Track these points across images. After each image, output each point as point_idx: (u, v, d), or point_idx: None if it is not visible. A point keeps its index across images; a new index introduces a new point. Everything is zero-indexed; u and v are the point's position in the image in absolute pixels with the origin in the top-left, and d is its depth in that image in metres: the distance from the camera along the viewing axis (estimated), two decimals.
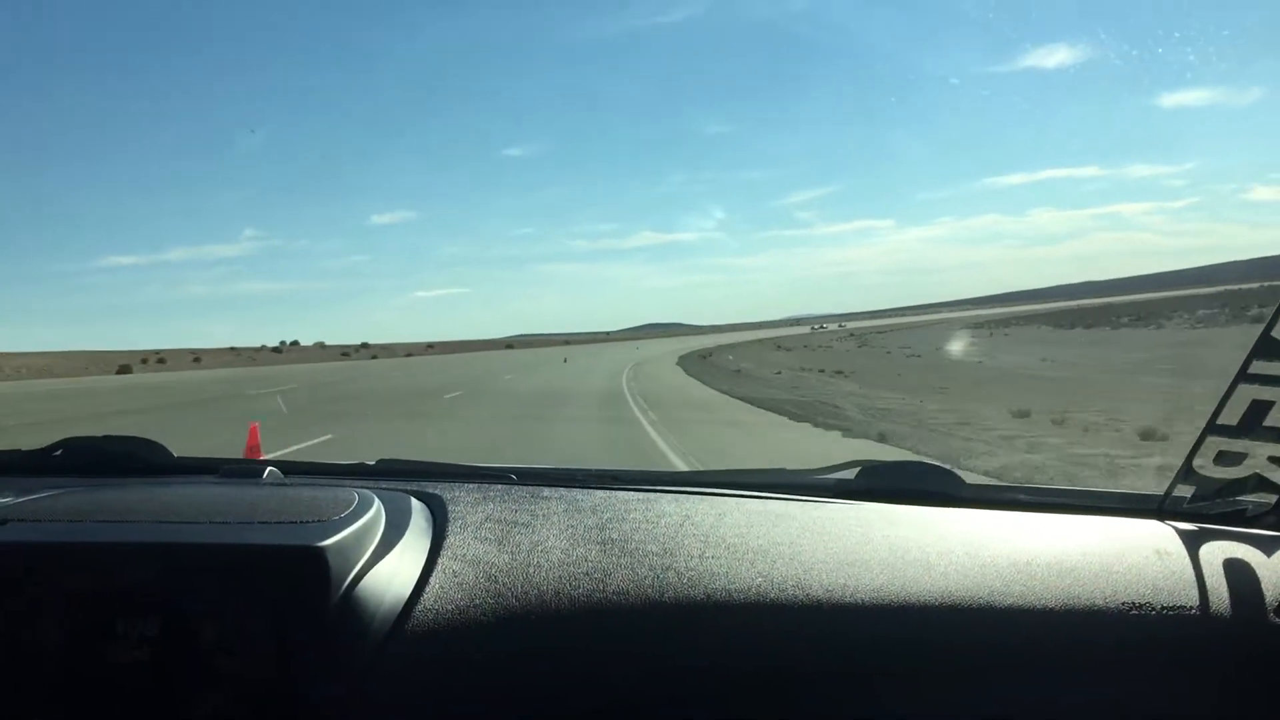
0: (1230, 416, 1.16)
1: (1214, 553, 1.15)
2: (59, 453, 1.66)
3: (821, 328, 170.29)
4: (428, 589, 1.09)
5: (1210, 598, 1.07)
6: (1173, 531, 1.21)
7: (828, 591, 1.07)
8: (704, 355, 50.38)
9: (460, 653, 1.03)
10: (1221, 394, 1.16)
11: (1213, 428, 1.19)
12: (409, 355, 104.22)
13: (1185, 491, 1.27)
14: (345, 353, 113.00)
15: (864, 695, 1.03)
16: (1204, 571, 1.10)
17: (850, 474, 1.49)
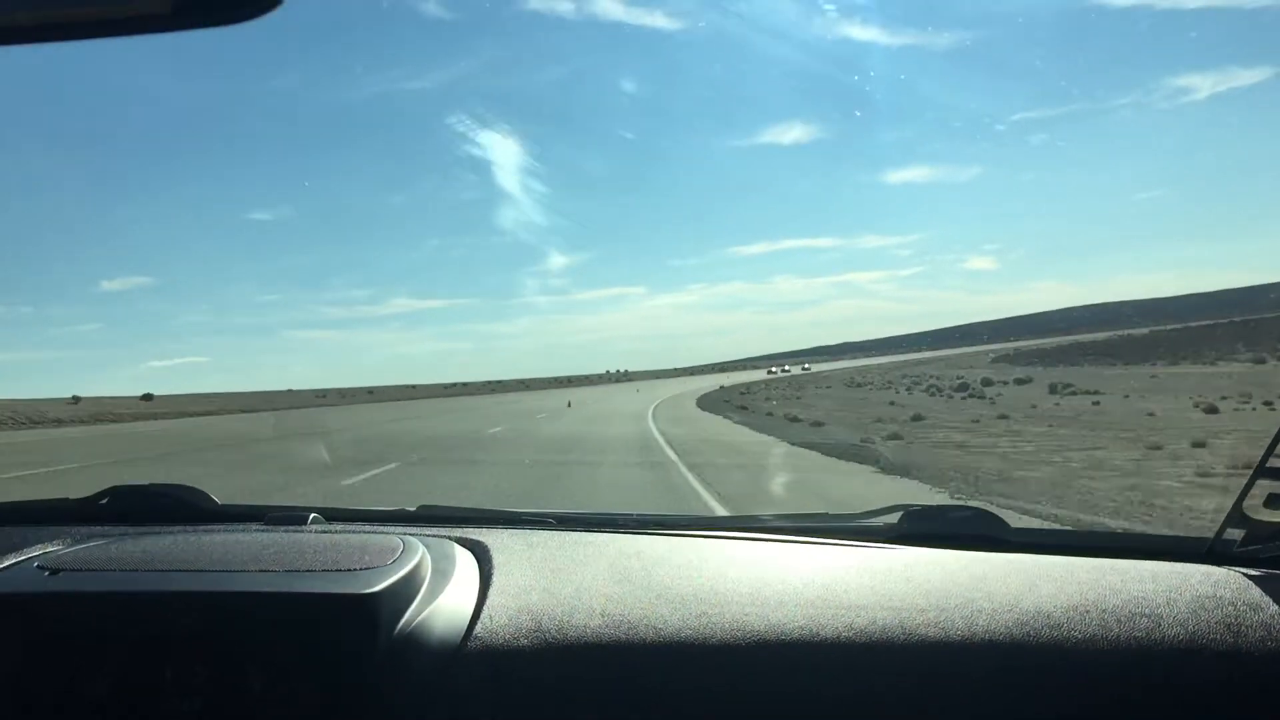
0: None
1: (1267, 598, 1.12)
2: (105, 501, 1.68)
3: (785, 369, 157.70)
4: (474, 635, 1.09)
5: (1263, 644, 1.05)
6: (1224, 575, 1.19)
7: (872, 636, 1.07)
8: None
9: (508, 699, 1.04)
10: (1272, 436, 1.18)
11: (1263, 470, 1.19)
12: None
13: (1235, 535, 1.25)
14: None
15: None
16: (1257, 617, 1.08)
17: (893, 518, 1.48)
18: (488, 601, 1.16)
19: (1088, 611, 1.09)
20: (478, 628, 1.10)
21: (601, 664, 1.06)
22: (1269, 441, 1.18)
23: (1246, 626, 1.06)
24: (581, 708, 1.03)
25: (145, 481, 1.75)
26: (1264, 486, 1.19)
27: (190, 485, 1.74)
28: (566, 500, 10.19)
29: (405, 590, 1.12)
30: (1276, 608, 1.10)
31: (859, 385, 66.63)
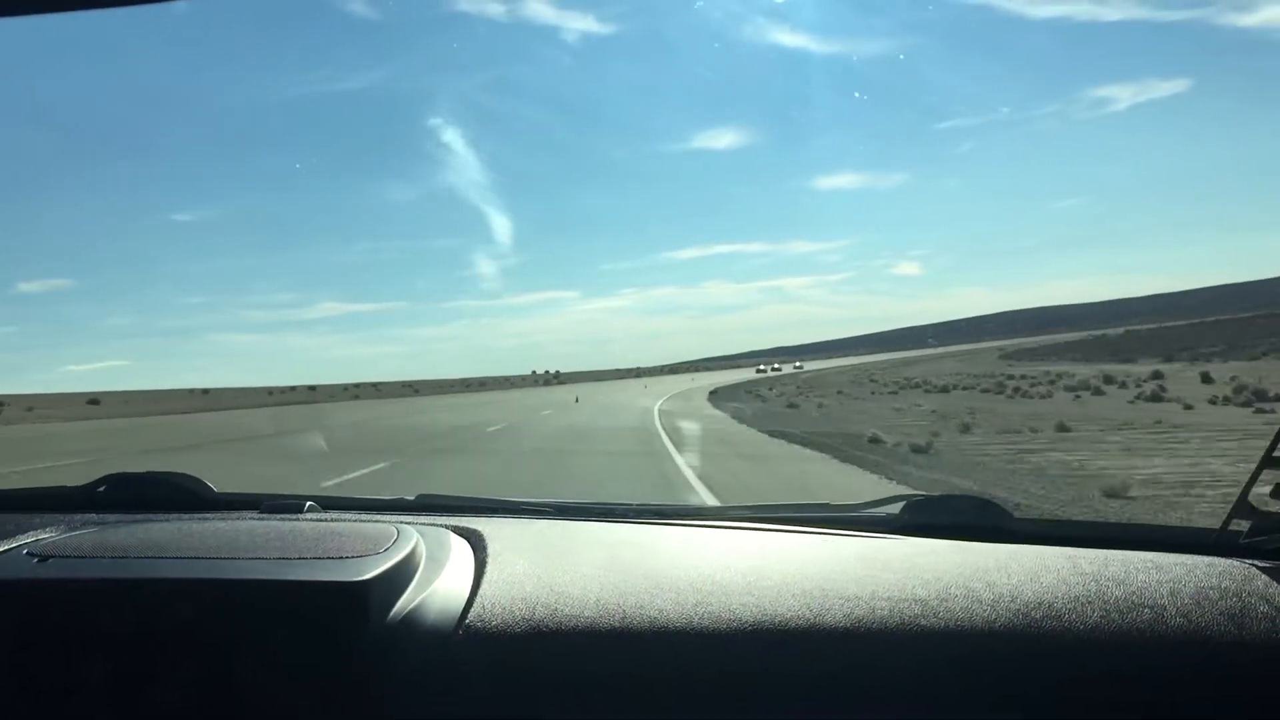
0: None
1: (1273, 589, 1.11)
2: (102, 489, 1.68)
3: (777, 369, 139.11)
4: (467, 622, 1.08)
5: (1269, 635, 1.03)
6: (1229, 567, 1.18)
7: (871, 627, 1.05)
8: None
9: (501, 686, 1.03)
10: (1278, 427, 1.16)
11: (1269, 461, 1.18)
12: None
13: (1241, 526, 1.25)
14: None
15: None
16: (1262, 608, 1.07)
17: (895, 508, 1.47)
18: (481, 589, 1.15)
19: (1090, 602, 1.08)
20: (471, 615, 1.09)
21: (596, 652, 1.05)
22: (1275, 432, 1.16)
23: (1252, 617, 1.05)
24: (575, 695, 1.02)
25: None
26: (1270, 477, 1.18)
27: (188, 474, 1.73)
28: None
29: (398, 578, 1.11)
30: None
31: (917, 385, 43.33)
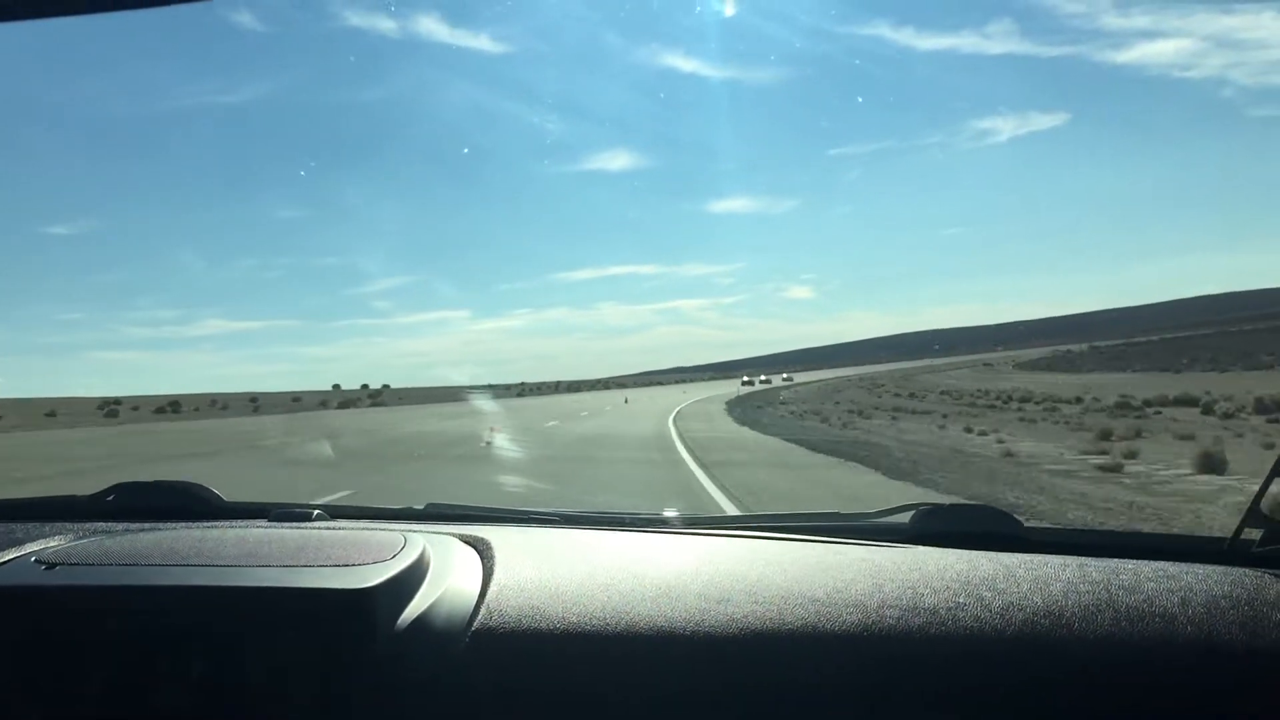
0: None
1: None
2: (111, 497, 1.71)
3: (764, 380, 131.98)
4: (474, 630, 1.08)
5: None
6: (1241, 576, 1.17)
7: (879, 634, 1.05)
8: None
9: (507, 694, 1.03)
10: None
11: None
12: None
13: (1253, 534, 1.23)
14: None
15: None
16: (1275, 617, 1.05)
17: (904, 518, 1.47)
18: (488, 597, 1.14)
19: (1100, 611, 1.07)
20: (477, 623, 1.09)
21: (603, 660, 1.05)
22: None
23: (1265, 627, 1.03)
24: (582, 704, 1.02)
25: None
26: None
27: (197, 483, 1.76)
28: None
29: (404, 586, 1.12)
30: None
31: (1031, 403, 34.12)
